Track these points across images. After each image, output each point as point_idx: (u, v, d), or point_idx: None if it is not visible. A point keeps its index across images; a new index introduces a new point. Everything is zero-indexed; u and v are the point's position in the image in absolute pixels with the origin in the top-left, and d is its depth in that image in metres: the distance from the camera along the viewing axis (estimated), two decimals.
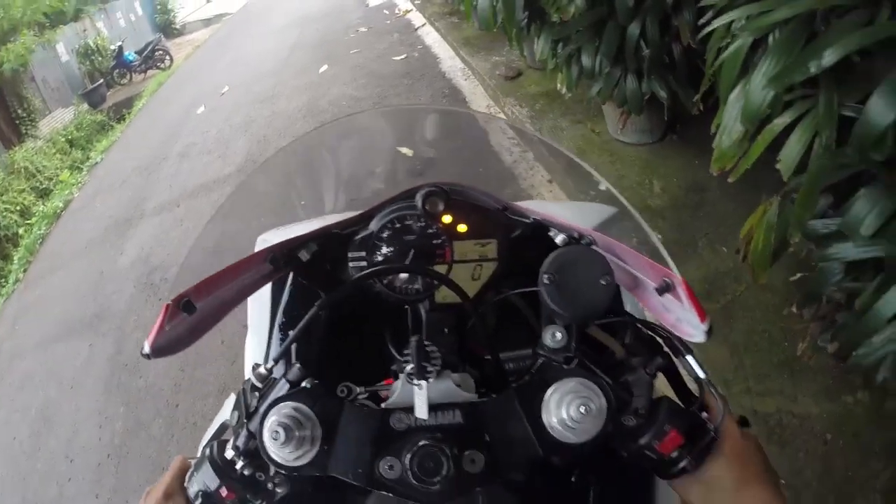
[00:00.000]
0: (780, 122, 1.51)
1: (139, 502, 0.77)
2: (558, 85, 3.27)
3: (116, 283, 4.22)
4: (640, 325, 0.81)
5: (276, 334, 1.07)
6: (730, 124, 1.60)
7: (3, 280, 5.80)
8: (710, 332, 0.68)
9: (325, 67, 6.59)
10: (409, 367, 0.78)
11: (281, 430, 0.64)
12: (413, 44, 6.63)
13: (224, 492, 0.72)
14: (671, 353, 0.75)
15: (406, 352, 0.83)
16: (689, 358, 0.73)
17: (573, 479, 0.93)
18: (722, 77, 1.66)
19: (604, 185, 0.90)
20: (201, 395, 3.02)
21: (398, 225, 0.93)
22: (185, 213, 4.76)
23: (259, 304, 1.14)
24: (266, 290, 1.11)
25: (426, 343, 0.78)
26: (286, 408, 0.67)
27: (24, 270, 5.52)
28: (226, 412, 0.89)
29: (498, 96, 4.53)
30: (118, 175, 6.27)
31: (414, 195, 0.92)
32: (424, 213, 0.91)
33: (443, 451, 0.65)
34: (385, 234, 0.94)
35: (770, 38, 1.54)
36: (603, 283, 0.70)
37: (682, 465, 0.68)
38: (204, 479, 0.73)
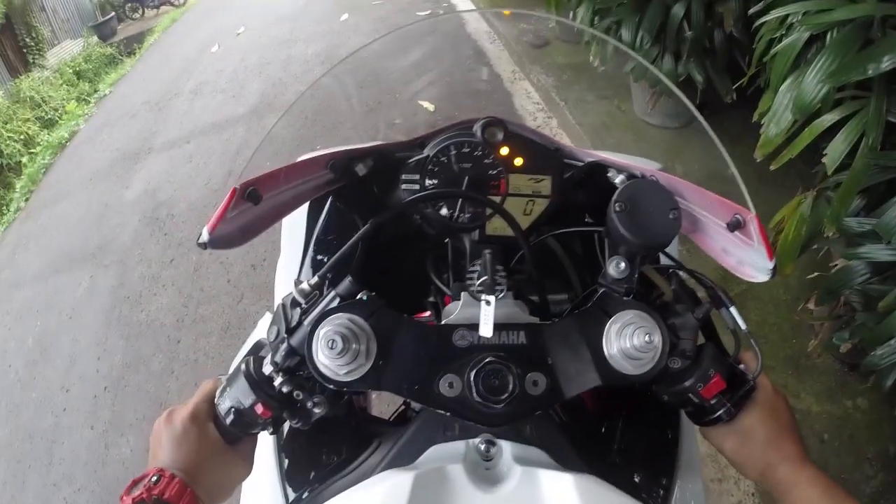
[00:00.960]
0: (830, 117, 1.53)
1: (157, 422, 0.75)
2: (591, 57, 3.23)
3: (121, 217, 4.15)
4: (689, 273, 0.82)
5: (311, 255, 1.06)
6: (779, 112, 1.61)
7: (4, 208, 5.71)
8: (774, 271, 0.67)
9: (345, 16, 6.45)
10: (479, 282, 0.77)
11: (338, 339, 0.62)
12: (439, 0, 6.49)
13: (259, 408, 0.70)
14: (714, 304, 0.75)
15: (473, 269, 0.82)
16: (732, 309, 0.73)
17: (603, 428, 0.94)
18: (774, 67, 1.68)
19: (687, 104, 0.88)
20: (204, 332, 2.98)
21: (454, 152, 0.92)
22: (195, 150, 4.66)
23: (293, 228, 1.13)
24: (302, 215, 1.10)
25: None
26: (341, 318, 0.65)
27: (27, 200, 5.41)
28: (259, 332, 0.86)
29: (524, 62, 4.46)
30: (127, 109, 6.10)
31: (471, 126, 0.92)
32: (484, 141, 0.90)
33: (509, 369, 0.65)
34: (441, 160, 0.92)
35: (828, 37, 1.56)
36: (671, 216, 0.70)
37: (720, 412, 0.70)
38: (237, 395, 0.71)
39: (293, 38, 6.35)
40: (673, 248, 1.08)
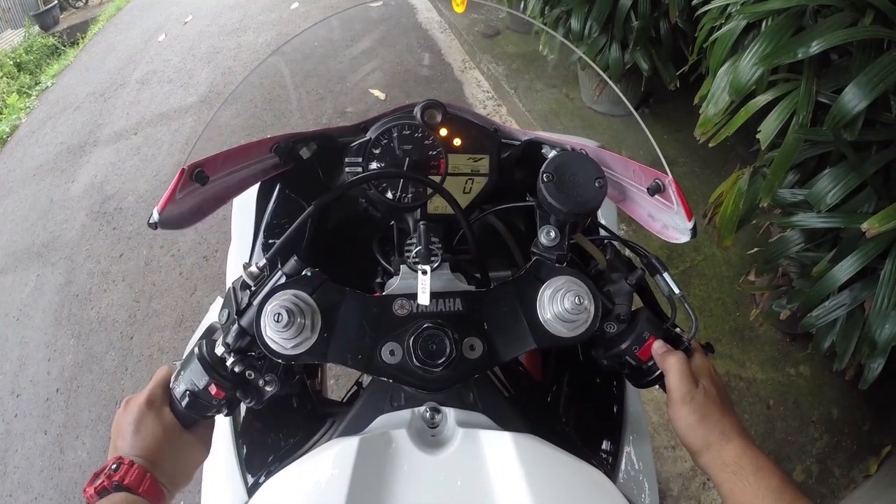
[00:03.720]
0: (763, 98, 1.63)
1: (117, 412, 0.76)
2: (540, 46, 3.31)
3: (68, 212, 3.99)
4: (622, 242, 0.88)
5: (261, 240, 1.07)
6: (717, 94, 1.70)
7: None
8: (694, 231, 0.72)
9: (296, 5, 6.34)
10: (414, 251, 0.81)
11: (284, 312, 0.64)
12: None
13: (213, 389, 0.71)
14: (648, 271, 0.80)
15: (410, 242, 0.85)
16: (666, 275, 0.78)
17: (549, 397, 0.99)
18: (713, 53, 1.78)
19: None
20: (157, 327, 2.91)
21: (395, 134, 0.94)
22: (143, 142, 4.52)
23: (244, 214, 1.15)
24: (251, 201, 1.11)
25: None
26: (286, 294, 0.67)
27: None
28: (212, 316, 0.86)
29: (474, 52, 4.50)
30: (71, 101, 5.83)
31: (411, 109, 0.95)
32: (423, 123, 0.93)
33: (446, 334, 0.67)
34: (382, 142, 0.95)
35: (763, 24, 1.66)
36: (597, 184, 0.73)
37: (657, 373, 0.74)
38: (192, 378, 0.72)
39: (242, 26, 6.20)
40: (612, 223, 1.12)
